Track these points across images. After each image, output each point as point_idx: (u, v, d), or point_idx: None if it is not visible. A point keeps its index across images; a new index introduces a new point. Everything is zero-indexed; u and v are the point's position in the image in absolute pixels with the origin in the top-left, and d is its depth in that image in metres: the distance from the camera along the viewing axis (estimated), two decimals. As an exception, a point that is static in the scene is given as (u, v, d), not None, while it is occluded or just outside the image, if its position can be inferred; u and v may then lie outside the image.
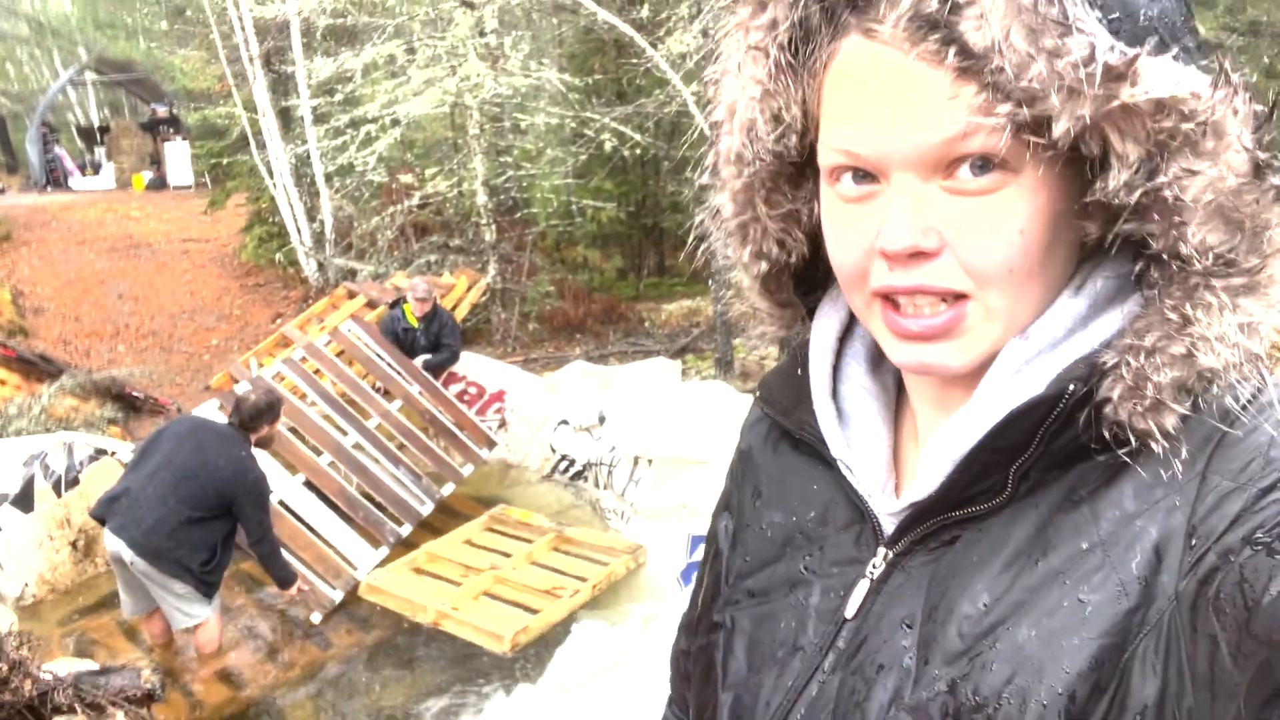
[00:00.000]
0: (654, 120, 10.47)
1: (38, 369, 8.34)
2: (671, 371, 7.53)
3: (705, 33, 7.01)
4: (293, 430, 5.68)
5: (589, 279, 11.73)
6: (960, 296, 0.56)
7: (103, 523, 4.18)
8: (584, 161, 10.84)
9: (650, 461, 5.86)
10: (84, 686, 2.75)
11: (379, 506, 5.54)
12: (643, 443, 5.96)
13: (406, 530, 5.46)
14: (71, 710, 2.72)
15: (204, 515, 4.11)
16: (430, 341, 7.03)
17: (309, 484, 5.48)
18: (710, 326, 9.12)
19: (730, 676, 0.72)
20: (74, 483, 5.35)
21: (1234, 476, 0.52)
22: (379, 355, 6.59)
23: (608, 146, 9.73)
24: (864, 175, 0.57)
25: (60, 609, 5.06)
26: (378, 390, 6.55)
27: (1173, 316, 0.54)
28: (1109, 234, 0.57)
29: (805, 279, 0.74)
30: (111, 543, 4.12)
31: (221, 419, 4.80)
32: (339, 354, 6.66)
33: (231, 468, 4.17)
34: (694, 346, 9.46)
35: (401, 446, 6.08)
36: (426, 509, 5.68)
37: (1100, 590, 0.54)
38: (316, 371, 6.37)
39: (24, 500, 5.17)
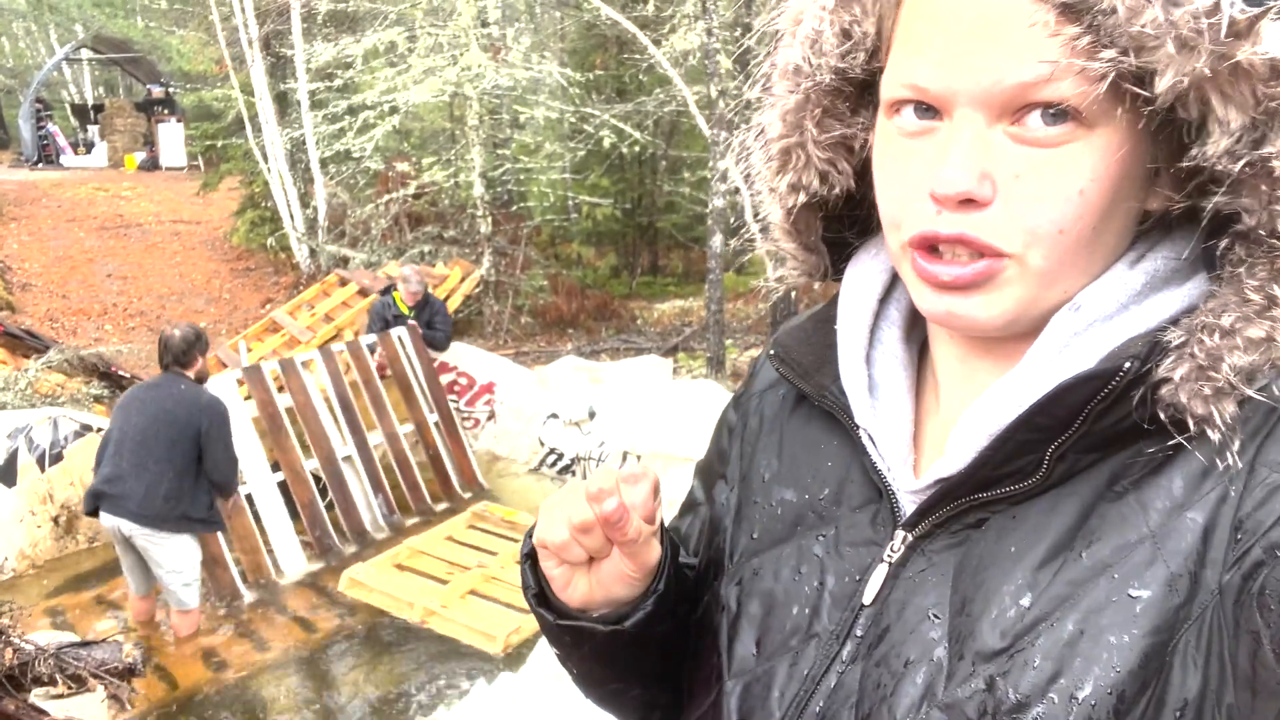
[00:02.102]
0: (654, 119, 10.49)
1: (24, 344, 8.27)
2: (663, 369, 7.54)
3: (709, 32, 7.02)
4: (292, 417, 5.59)
5: (583, 275, 11.74)
6: (1000, 254, 0.53)
7: (95, 514, 4.17)
8: (582, 157, 10.86)
9: (639, 457, 5.86)
10: (65, 658, 2.71)
11: (335, 523, 5.46)
12: (632, 439, 5.96)
13: (350, 550, 5.39)
14: (52, 681, 2.69)
15: (187, 463, 4.11)
16: (422, 327, 7.01)
17: (283, 485, 5.36)
18: (703, 326, 9.13)
19: (737, 663, 0.67)
20: (58, 458, 5.30)
21: None
22: (415, 371, 6.39)
23: (606, 143, 9.75)
24: (927, 110, 0.54)
25: (39, 584, 5.01)
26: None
27: (1255, 298, 0.51)
28: (1175, 208, 0.54)
29: (836, 224, 0.70)
30: (110, 521, 4.11)
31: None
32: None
33: (184, 405, 4.13)
34: (685, 345, 9.47)
35: (389, 471, 5.93)
36: (381, 535, 5.62)
37: (1151, 585, 0.51)
38: (346, 369, 6.13)
39: (7, 474, 5.12)
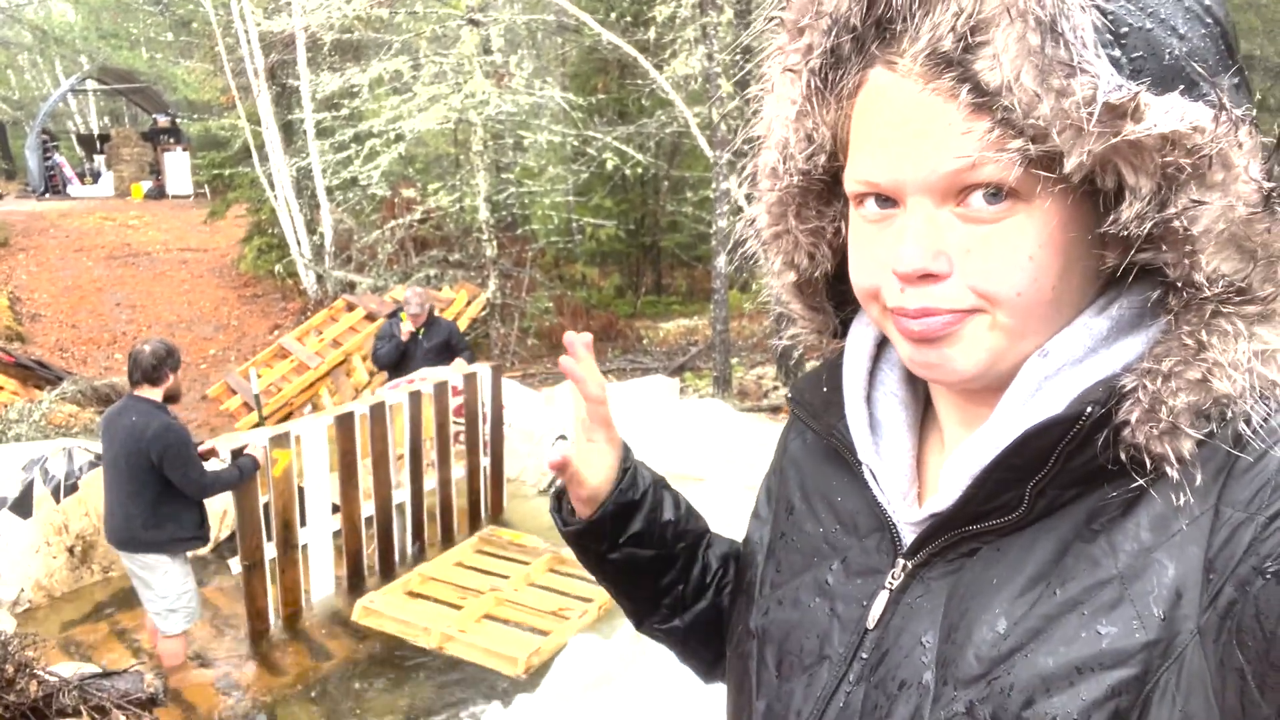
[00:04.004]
0: (655, 140, 10.59)
1: (35, 375, 8.35)
2: (669, 389, 7.58)
3: (710, 57, 7.11)
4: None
5: (587, 296, 11.80)
6: (968, 310, 0.58)
7: None
8: (585, 180, 10.96)
9: (648, 477, 5.88)
10: (88, 689, 2.76)
11: (369, 560, 5.42)
12: (641, 458, 5.97)
13: (372, 582, 5.33)
14: (76, 713, 2.73)
15: (158, 490, 4.09)
16: (432, 347, 6.94)
17: (336, 534, 5.27)
18: (708, 345, 9.17)
19: (763, 685, 0.74)
20: (73, 489, 5.34)
21: (1244, 507, 0.52)
22: (485, 414, 6.13)
23: (609, 165, 9.83)
24: (885, 200, 0.60)
25: (55, 615, 5.04)
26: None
27: (1189, 342, 0.55)
28: (1105, 266, 0.58)
29: (839, 291, 0.76)
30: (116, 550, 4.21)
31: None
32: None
33: (134, 437, 4.04)
34: (691, 364, 9.51)
35: (431, 514, 5.82)
36: (405, 570, 5.49)
37: (1117, 623, 0.55)
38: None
39: (22, 505, 5.17)
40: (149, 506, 4.08)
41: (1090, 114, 0.50)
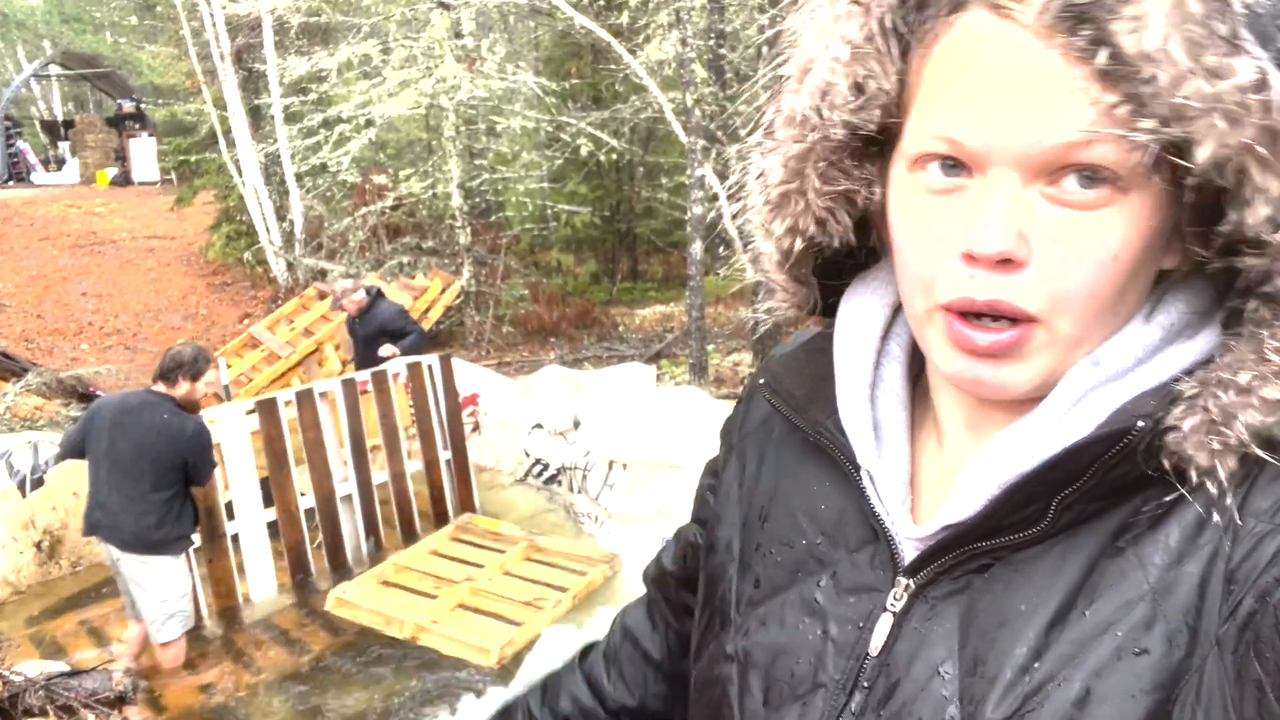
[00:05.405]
0: (630, 126, 10.52)
1: (-1, 367, 8.20)
2: (646, 376, 7.57)
3: (684, 41, 7.06)
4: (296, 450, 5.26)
5: (563, 283, 11.75)
6: (1030, 320, 0.53)
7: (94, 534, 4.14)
8: (559, 166, 10.88)
9: (625, 466, 5.88)
10: (55, 688, 2.71)
11: (317, 557, 5.28)
12: (617, 447, 5.98)
13: (324, 586, 5.14)
14: (43, 712, 2.68)
15: (176, 489, 4.06)
16: (366, 335, 6.64)
17: (272, 525, 5.11)
18: (684, 331, 9.16)
19: (747, 714, 0.67)
20: (39, 483, 5.26)
21: (1269, 518, 0.50)
22: (438, 404, 5.95)
23: (583, 151, 9.76)
24: (954, 166, 0.52)
25: (23, 610, 4.96)
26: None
27: (1275, 358, 0.50)
28: (1181, 268, 0.54)
29: (831, 264, 0.68)
30: (105, 549, 4.09)
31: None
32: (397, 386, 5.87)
33: (166, 438, 4.00)
34: (668, 351, 9.50)
35: (385, 508, 5.64)
36: (360, 569, 5.35)
37: (1153, 643, 0.51)
38: (364, 392, 5.63)
39: (-13, 500, 5.08)
40: (164, 505, 4.02)
41: (1263, 103, 0.45)
